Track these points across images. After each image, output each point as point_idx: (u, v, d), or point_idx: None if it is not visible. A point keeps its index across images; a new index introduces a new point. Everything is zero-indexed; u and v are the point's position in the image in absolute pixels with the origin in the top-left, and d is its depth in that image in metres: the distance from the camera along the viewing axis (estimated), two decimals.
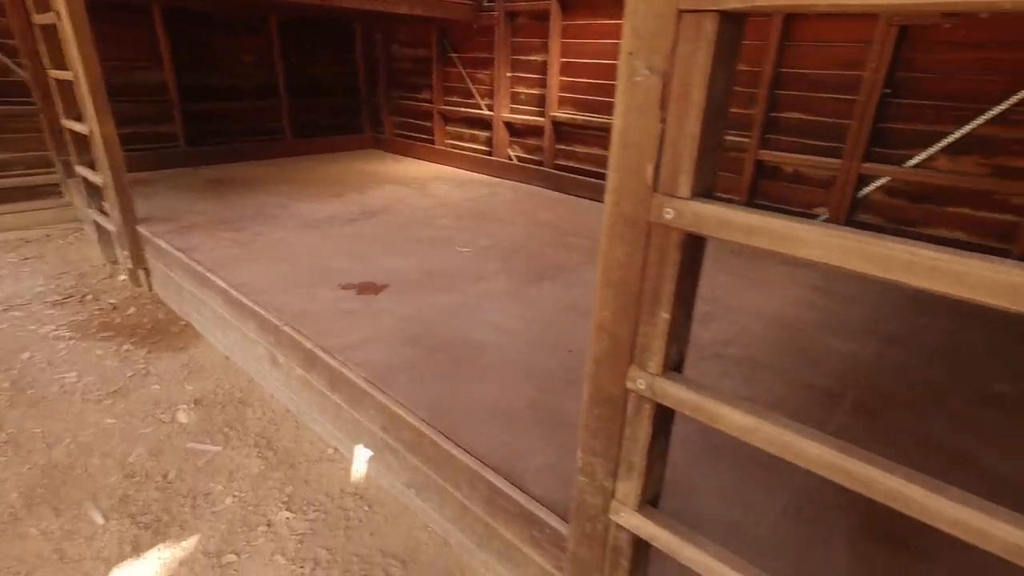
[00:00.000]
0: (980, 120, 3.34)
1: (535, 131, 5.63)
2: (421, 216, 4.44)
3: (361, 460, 2.23)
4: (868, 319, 2.92)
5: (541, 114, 5.48)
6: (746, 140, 4.17)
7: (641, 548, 1.23)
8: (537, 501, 1.57)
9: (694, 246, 0.93)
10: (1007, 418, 2.14)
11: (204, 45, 5.77)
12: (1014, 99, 3.21)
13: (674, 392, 0.98)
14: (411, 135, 6.97)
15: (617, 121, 0.92)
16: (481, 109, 6.00)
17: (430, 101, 6.50)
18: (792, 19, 3.87)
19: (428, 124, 6.66)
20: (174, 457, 2.29)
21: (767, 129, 4.12)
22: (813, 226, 0.77)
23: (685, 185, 0.87)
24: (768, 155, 4.13)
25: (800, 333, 2.74)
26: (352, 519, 2.03)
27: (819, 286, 3.32)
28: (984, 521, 0.74)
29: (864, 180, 3.84)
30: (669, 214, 0.88)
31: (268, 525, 1.98)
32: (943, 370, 2.46)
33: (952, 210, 3.59)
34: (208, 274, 2.96)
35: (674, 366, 1.03)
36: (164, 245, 3.41)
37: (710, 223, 0.85)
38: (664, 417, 1.08)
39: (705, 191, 0.89)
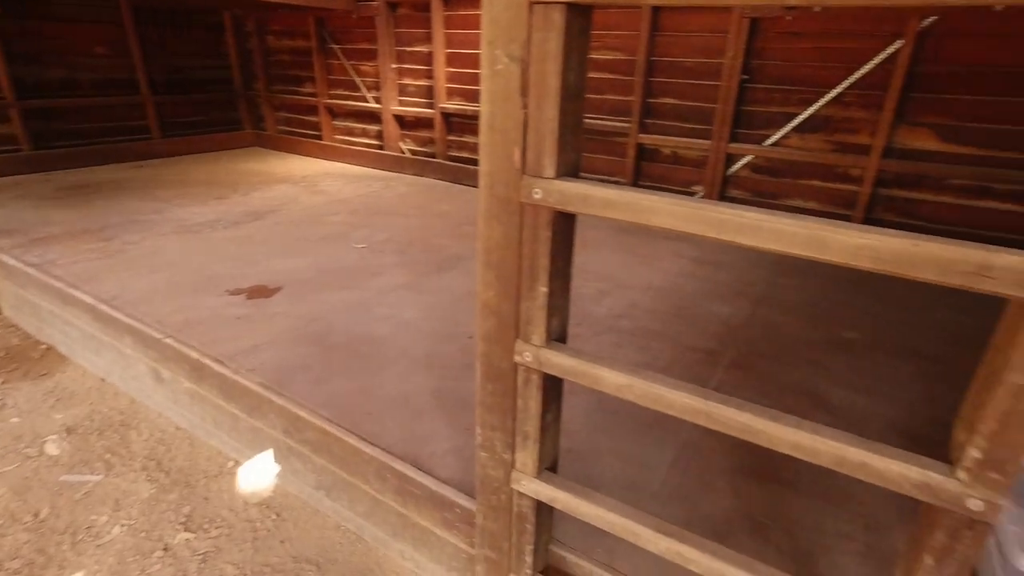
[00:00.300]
0: (821, 102, 3.77)
1: (426, 123, 5.59)
2: (313, 214, 4.28)
3: (265, 468, 2.15)
4: (741, 284, 3.22)
5: (431, 106, 5.45)
6: (627, 125, 4.41)
7: (543, 512, 1.30)
8: (446, 483, 1.61)
9: (564, 222, 1.00)
10: (854, 360, 2.46)
11: (42, 34, 5.15)
12: (846, 84, 3.65)
13: (558, 361, 1.05)
14: (297, 131, 6.67)
15: (484, 108, 0.96)
16: (368, 102, 5.86)
17: (314, 95, 6.24)
18: (660, 11, 4.13)
19: (314, 119, 6.41)
20: (45, 493, 2.08)
21: (645, 114, 4.39)
22: (660, 197, 0.85)
23: (550, 166, 0.93)
24: (648, 139, 4.40)
25: (684, 301, 2.97)
26: (260, 530, 1.96)
27: (698, 258, 3.61)
28: (813, 440, 0.87)
29: (732, 159, 4.20)
30: (538, 194, 0.94)
31: (165, 550, 1.87)
32: (803, 323, 2.78)
33: (805, 183, 4.02)
34: (70, 290, 2.69)
35: (557, 337, 1.11)
36: (11, 262, 3.04)
37: (575, 200, 0.92)
38: (552, 386, 1.15)
39: (569, 171, 0.96)
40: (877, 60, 3.52)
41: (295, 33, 6.15)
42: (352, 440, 1.76)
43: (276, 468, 2.12)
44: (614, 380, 1.00)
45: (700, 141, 4.21)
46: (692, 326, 2.70)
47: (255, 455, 2.16)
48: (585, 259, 3.52)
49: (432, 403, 2.01)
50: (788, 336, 2.66)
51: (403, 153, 5.81)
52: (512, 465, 1.23)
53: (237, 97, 6.75)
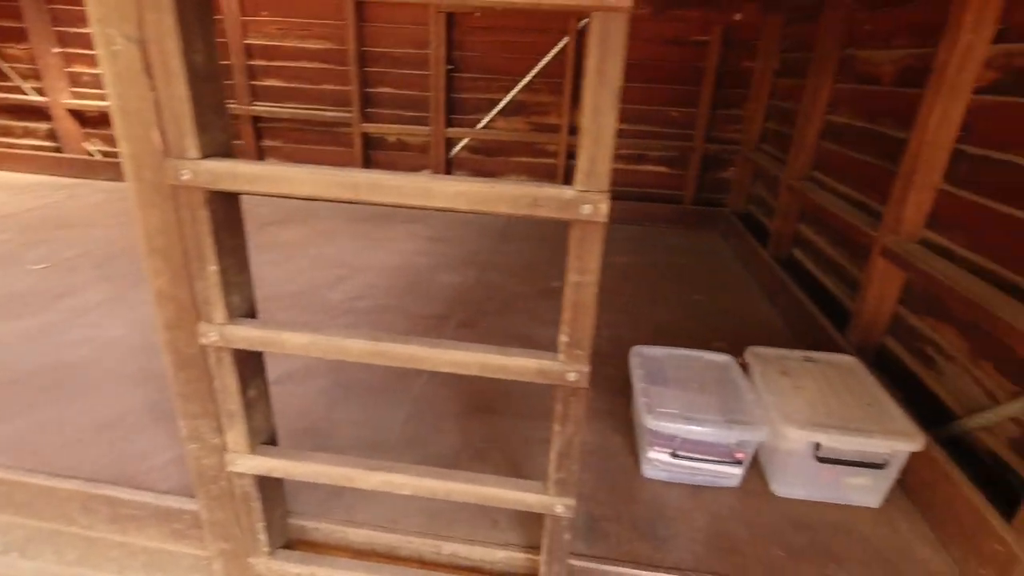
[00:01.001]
0: (516, 89, 4.31)
1: None
2: None
3: None
4: (469, 254, 3.57)
5: None
6: (349, 115, 4.45)
7: (268, 487, 1.34)
8: (168, 494, 1.52)
9: (223, 201, 1.04)
10: (556, 303, 2.94)
11: None
12: (533, 73, 4.24)
13: (243, 335, 1.10)
14: None
15: (110, 90, 0.94)
16: (27, 94, 4.82)
17: None
18: (363, 3, 4.23)
19: None
20: None
21: (366, 104, 4.47)
22: (300, 168, 0.96)
23: (193, 147, 0.96)
24: (372, 127, 4.51)
25: (418, 276, 3.19)
26: None
27: (432, 236, 3.87)
28: (464, 356, 1.08)
29: (452, 142, 4.55)
30: (186, 175, 0.97)
31: None
32: (519, 280, 3.22)
33: (516, 159, 4.58)
34: None
35: (244, 313, 1.15)
36: None
37: (225, 178, 0.97)
38: (248, 361, 1.19)
39: (218, 151, 1.00)
40: (553, 53, 4.16)
41: None
42: (40, 480, 1.54)
43: None
44: (297, 341, 1.09)
45: (421, 128, 4.47)
46: (424, 296, 2.92)
47: None
48: (321, 249, 3.51)
49: (149, 418, 1.85)
50: (508, 293, 3.05)
51: (91, 156, 4.95)
52: (224, 448, 1.24)
53: None
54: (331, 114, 4.49)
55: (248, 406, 1.21)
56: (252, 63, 4.49)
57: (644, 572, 1.41)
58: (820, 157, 3.03)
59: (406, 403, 2.03)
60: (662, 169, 4.45)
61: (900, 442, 1.56)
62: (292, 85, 4.50)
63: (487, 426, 1.93)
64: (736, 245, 3.89)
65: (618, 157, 4.43)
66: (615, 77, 0.86)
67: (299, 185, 0.96)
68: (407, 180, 0.95)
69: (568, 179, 3.75)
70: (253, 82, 4.54)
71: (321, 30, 4.33)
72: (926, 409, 1.90)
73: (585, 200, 0.93)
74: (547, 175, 4.54)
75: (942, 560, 1.50)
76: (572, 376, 1.08)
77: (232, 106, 4.58)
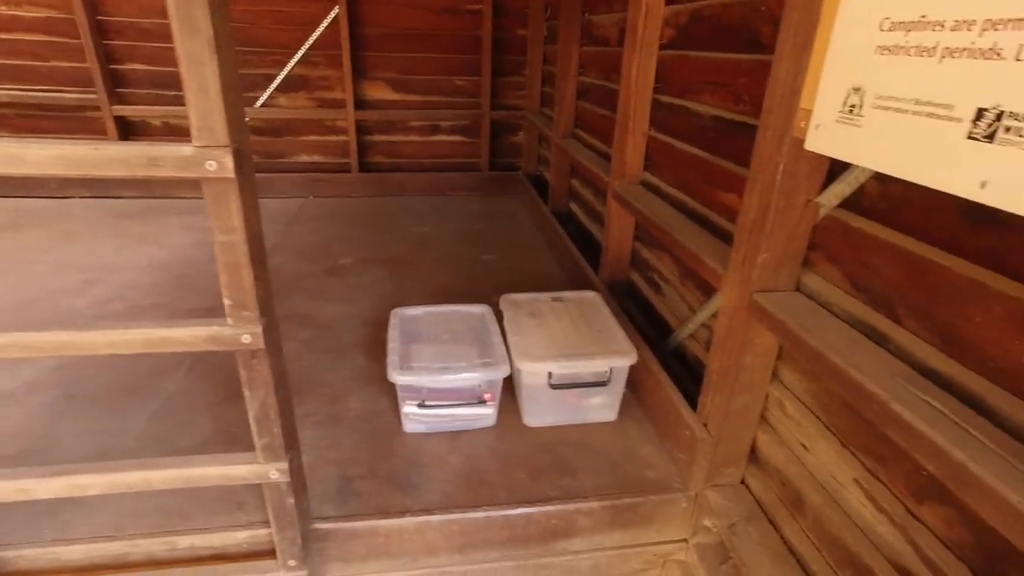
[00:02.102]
0: (292, 63, 4.08)
1: None
2: None
3: None
4: None
5: None
6: (94, 97, 3.88)
7: None
8: None
9: None
10: (345, 279, 2.89)
11: None
12: (307, 45, 4.04)
13: None
14: None
15: None
16: None
17: None
18: None
19: None
20: None
21: (115, 83, 3.94)
22: None
23: None
24: (128, 110, 3.99)
25: (189, 270, 2.92)
26: None
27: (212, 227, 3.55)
28: (124, 335, 1.01)
29: None
30: None
31: None
32: (306, 260, 3.10)
33: (305, 139, 4.36)
34: None
35: None
36: None
37: None
38: None
39: None
40: (325, 23, 3.99)
41: None
42: None
43: None
44: None
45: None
46: (194, 290, 2.70)
47: None
48: (67, 253, 3.06)
49: None
50: (293, 273, 2.93)
51: None
52: None
53: None
54: (71, 95, 3.88)
55: None
56: None
57: (391, 520, 1.46)
58: (578, 115, 3.29)
59: (155, 402, 1.87)
60: (456, 138, 4.53)
61: (616, 359, 1.78)
62: (9, 62, 3.80)
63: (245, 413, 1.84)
64: (529, 205, 4.12)
65: (413, 129, 4.43)
66: (203, 23, 0.83)
67: None
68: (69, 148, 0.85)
69: (364, 155, 3.65)
70: None
71: None
72: (660, 328, 2.18)
73: (207, 157, 0.91)
74: (340, 154, 4.40)
75: (659, 455, 1.75)
76: (246, 339, 1.06)
77: None
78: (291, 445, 1.22)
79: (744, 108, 1.63)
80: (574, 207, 3.49)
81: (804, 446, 1.36)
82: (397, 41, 4.15)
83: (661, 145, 2.16)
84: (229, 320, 1.05)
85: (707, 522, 1.60)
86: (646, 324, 2.31)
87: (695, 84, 1.90)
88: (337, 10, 3.92)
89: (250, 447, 1.17)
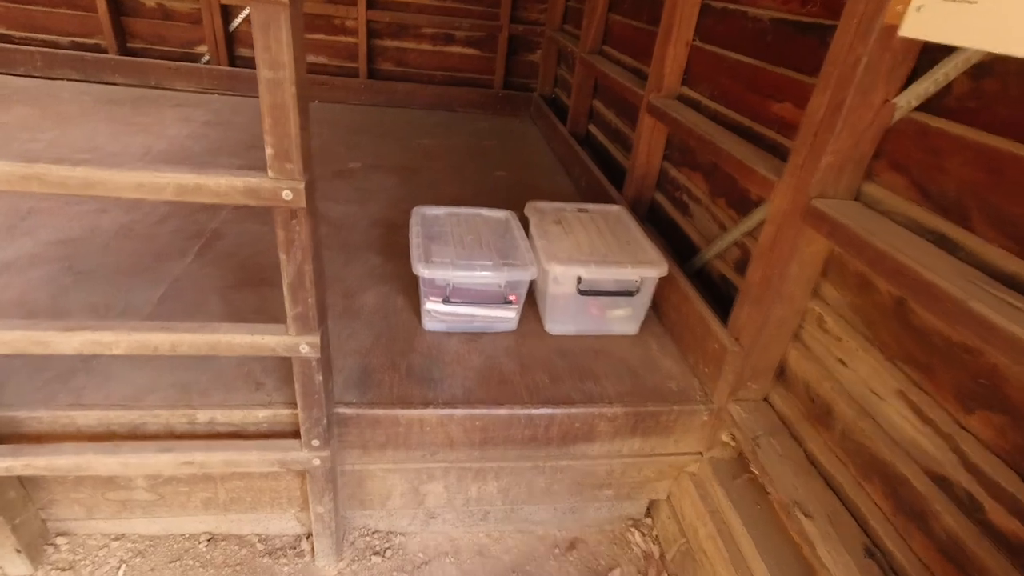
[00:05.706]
0: None
1: None
2: None
3: None
4: (254, 139, 3.19)
5: None
6: None
7: None
8: None
9: None
10: (355, 183, 2.78)
11: None
12: None
13: None
14: None
15: None
16: None
17: None
18: None
19: None
20: None
21: None
22: None
23: None
24: None
25: (191, 160, 2.79)
26: None
27: (210, 121, 3.38)
28: (153, 177, 0.92)
29: (231, 12, 3.91)
30: None
31: None
32: (314, 161, 2.96)
33: (311, 37, 4.08)
34: None
35: None
36: None
37: None
38: None
39: None
40: None
41: None
42: None
43: None
44: None
45: None
46: None
47: None
48: (62, 134, 2.89)
49: None
50: None
51: None
52: None
53: None
54: None
55: None
56: None
57: (414, 411, 1.44)
58: (608, 30, 3.11)
59: (163, 284, 1.80)
60: (471, 51, 4.29)
61: (647, 269, 1.73)
62: None
63: (259, 297, 1.79)
64: (543, 127, 3.96)
65: (426, 37, 4.19)
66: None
67: None
68: None
69: (372, 62, 3.44)
70: None
71: None
72: (684, 249, 2.13)
73: None
74: (348, 57, 4.15)
75: (680, 368, 1.73)
76: (287, 195, 0.98)
77: None
78: (322, 319, 1.17)
79: (812, 9, 1.52)
80: (593, 129, 3.36)
81: (842, 361, 1.34)
82: None
83: (705, 55, 2.03)
84: (270, 172, 0.97)
85: (725, 436, 1.60)
86: (667, 246, 2.26)
87: None
88: None
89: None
